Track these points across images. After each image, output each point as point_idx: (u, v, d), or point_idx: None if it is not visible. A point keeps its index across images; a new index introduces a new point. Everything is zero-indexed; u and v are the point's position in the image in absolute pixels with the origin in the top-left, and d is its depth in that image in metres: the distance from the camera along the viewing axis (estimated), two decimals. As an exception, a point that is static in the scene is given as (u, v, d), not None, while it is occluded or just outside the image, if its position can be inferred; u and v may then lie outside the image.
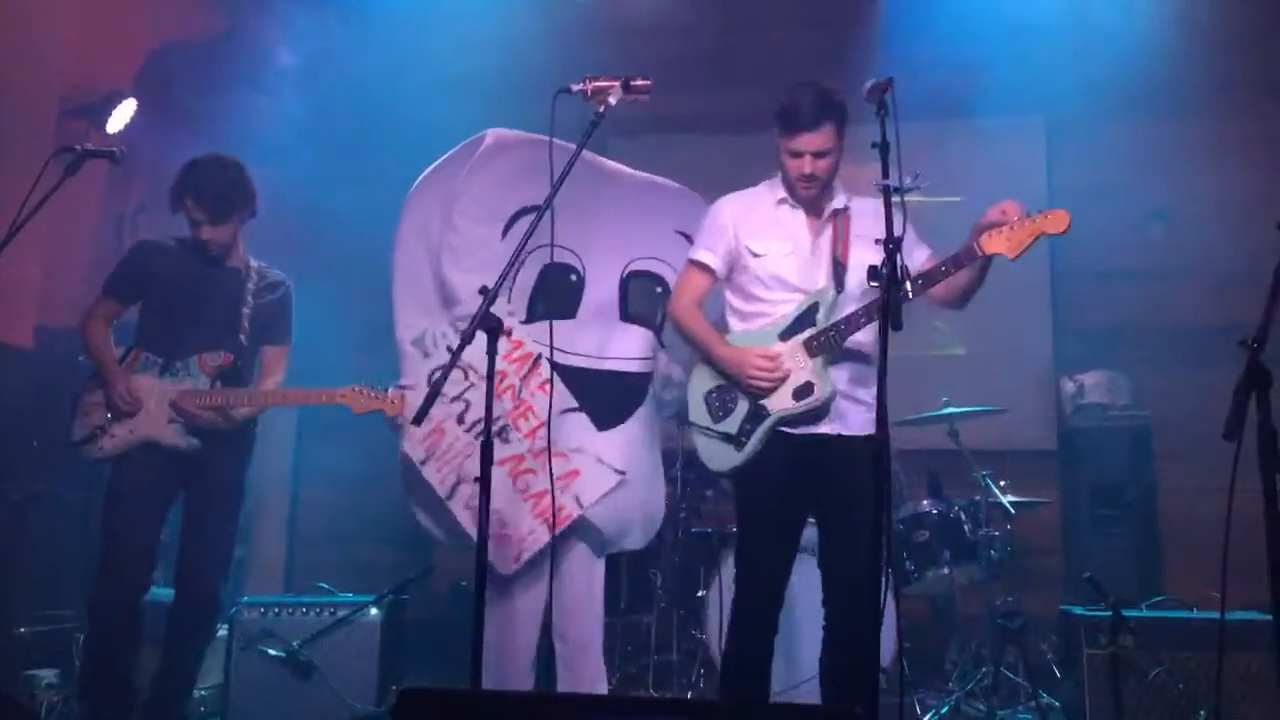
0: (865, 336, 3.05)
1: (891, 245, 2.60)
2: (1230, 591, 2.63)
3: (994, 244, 2.86)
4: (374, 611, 4.18)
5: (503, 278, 2.81)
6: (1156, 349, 5.37)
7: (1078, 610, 3.96)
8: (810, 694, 3.63)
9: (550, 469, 3.09)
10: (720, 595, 4.38)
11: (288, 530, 5.90)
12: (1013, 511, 4.53)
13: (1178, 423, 5.10)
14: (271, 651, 4.08)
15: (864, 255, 3.05)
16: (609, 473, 3.37)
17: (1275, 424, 2.21)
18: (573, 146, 2.93)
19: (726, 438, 3.11)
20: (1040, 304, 5.61)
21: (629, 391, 3.60)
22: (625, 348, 3.59)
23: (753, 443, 3.08)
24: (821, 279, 3.11)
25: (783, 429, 3.07)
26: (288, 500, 5.93)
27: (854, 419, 3.07)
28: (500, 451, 3.28)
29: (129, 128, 5.18)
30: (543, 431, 3.29)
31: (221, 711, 4.12)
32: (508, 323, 3.35)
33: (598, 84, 2.97)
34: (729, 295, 3.28)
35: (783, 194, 3.23)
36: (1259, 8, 5.33)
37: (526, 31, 5.51)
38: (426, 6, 5.55)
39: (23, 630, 4.34)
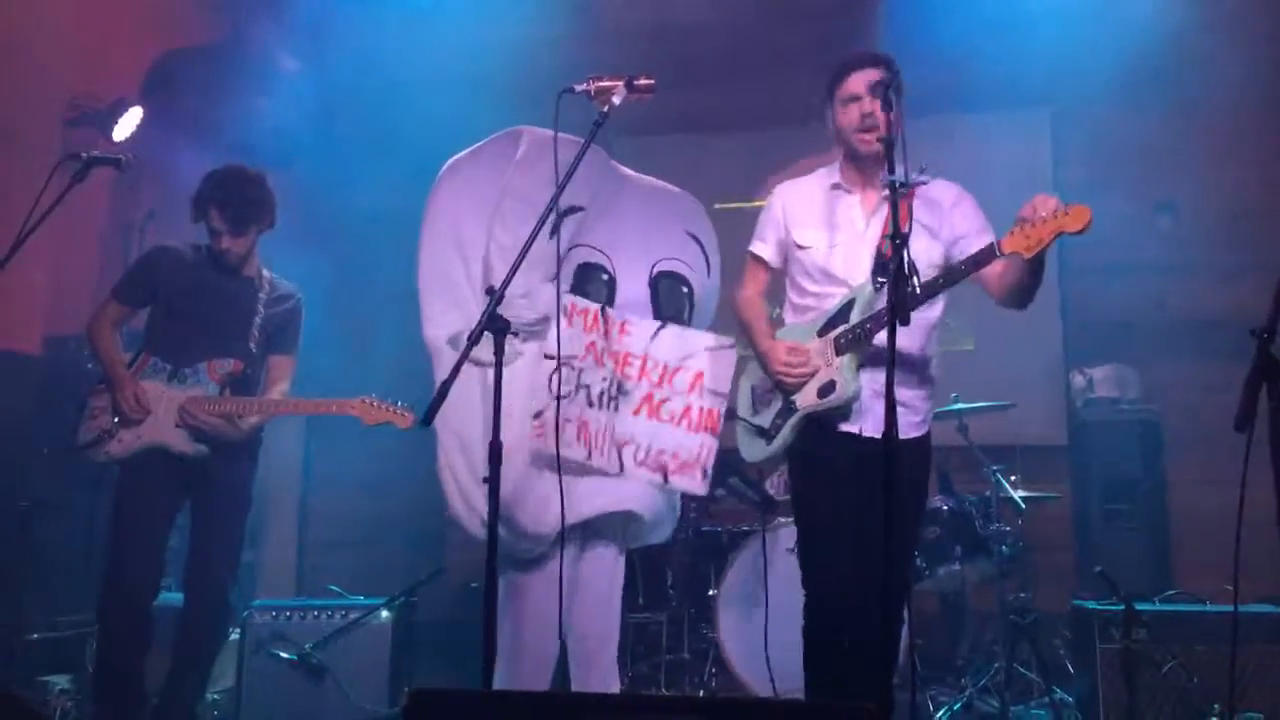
0: (905, 336, 2.85)
1: (899, 241, 2.53)
2: (1243, 584, 2.61)
3: (1012, 242, 2.71)
4: (385, 614, 4.19)
5: (508, 279, 2.81)
6: (1165, 341, 5.35)
7: (1090, 605, 3.95)
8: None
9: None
10: (740, 593, 4.39)
11: (298, 534, 5.92)
12: (1023, 506, 4.51)
13: (1187, 415, 5.09)
14: (283, 654, 4.09)
15: (919, 246, 2.90)
16: (727, 351, 3.41)
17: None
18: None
19: (759, 431, 3.12)
20: (1049, 298, 5.58)
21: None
22: None
23: (780, 438, 3.05)
24: (867, 272, 2.97)
25: (819, 425, 3.00)
26: (298, 504, 5.95)
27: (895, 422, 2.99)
28: (627, 405, 3.34)
29: (135, 135, 5.19)
30: (651, 363, 3.36)
31: (234, 714, 4.14)
32: (568, 299, 3.33)
33: (601, 84, 2.96)
34: (787, 287, 3.21)
35: (836, 179, 3.11)
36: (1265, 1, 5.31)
37: (532, 33, 5.51)
38: (430, 8, 5.55)
39: (35, 636, 4.36)
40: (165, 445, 3.59)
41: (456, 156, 3.49)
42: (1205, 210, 5.37)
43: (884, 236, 2.90)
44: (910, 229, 2.87)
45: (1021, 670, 4.34)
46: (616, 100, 2.95)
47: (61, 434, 3.73)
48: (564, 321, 3.25)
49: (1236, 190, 5.21)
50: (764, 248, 3.21)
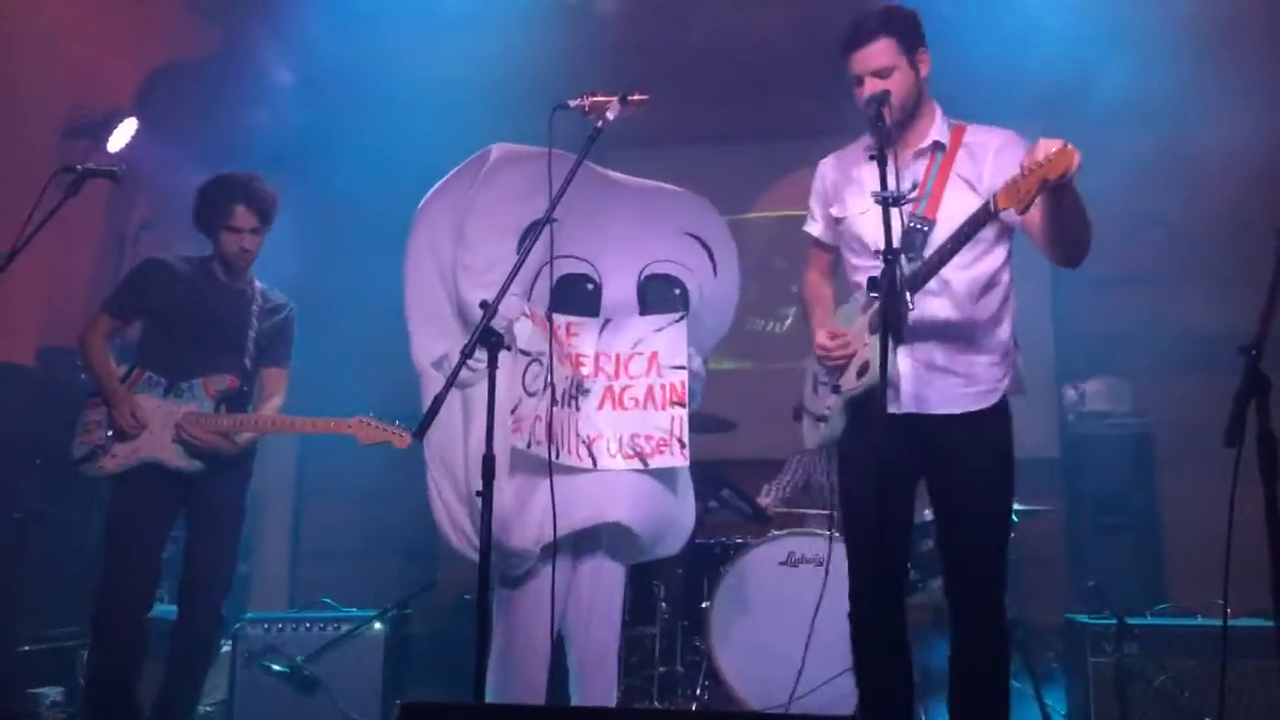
0: (941, 307, 2.79)
1: (890, 257, 2.47)
2: (1234, 598, 2.62)
3: (1005, 196, 2.49)
4: (378, 626, 4.18)
5: (502, 292, 2.82)
6: (1156, 355, 5.37)
7: (1082, 618, 3.96)
8: (814, 704, 3.63)
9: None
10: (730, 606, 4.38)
11: (291, 545, 5.93)
12: (1015, 520, 4.51)
13: (1178, 429, 5.11)
14: (275, 667, 4.09)
15: (958, 204, 2.74)
16: (675, 326, 3.43)
17: (1276, 431, 2.21)
18: (575, 158, 2.95)
19: (817, 417, 3.03)
20: (1041, 311, 5.61)
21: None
22: None
23: (831, 423, 2.93)
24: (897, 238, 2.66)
25: (865, 409, 2.80)
26: (291, 515, 5.96)
27: (937, 396, 2.80)
28: (589, 403, 3.37)
29: (130, 147, 5.20)
30: (603, 359, 3.39)
31: (226, 728, 4.13)
32: (526, 306, 3.34)
33: (595, 99, 2.99)
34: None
35: (870, 142, 2.93)
36: (1256, 15, 5.35)
37: (529, 47, 5.52)
38: (427, 21, 5.57)
39: (27, 649, 4.35)
40: (161, 461, 3.58)
41: (438, 183, 3.52)
42: (1197, 225, 5.40)
43: (916, 199, 2.75)
44: (947, 186, 2.80)
45: (1013, 683, 4.34)
46: (610, 115, 2.97)
47: (55, 446, 3.72)
48: (527, 321, 3.26)
49: (1228, 206, 5.24)
50: (814, 225, 3.14)
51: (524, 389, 3.21)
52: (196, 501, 3.66)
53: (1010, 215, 2.73)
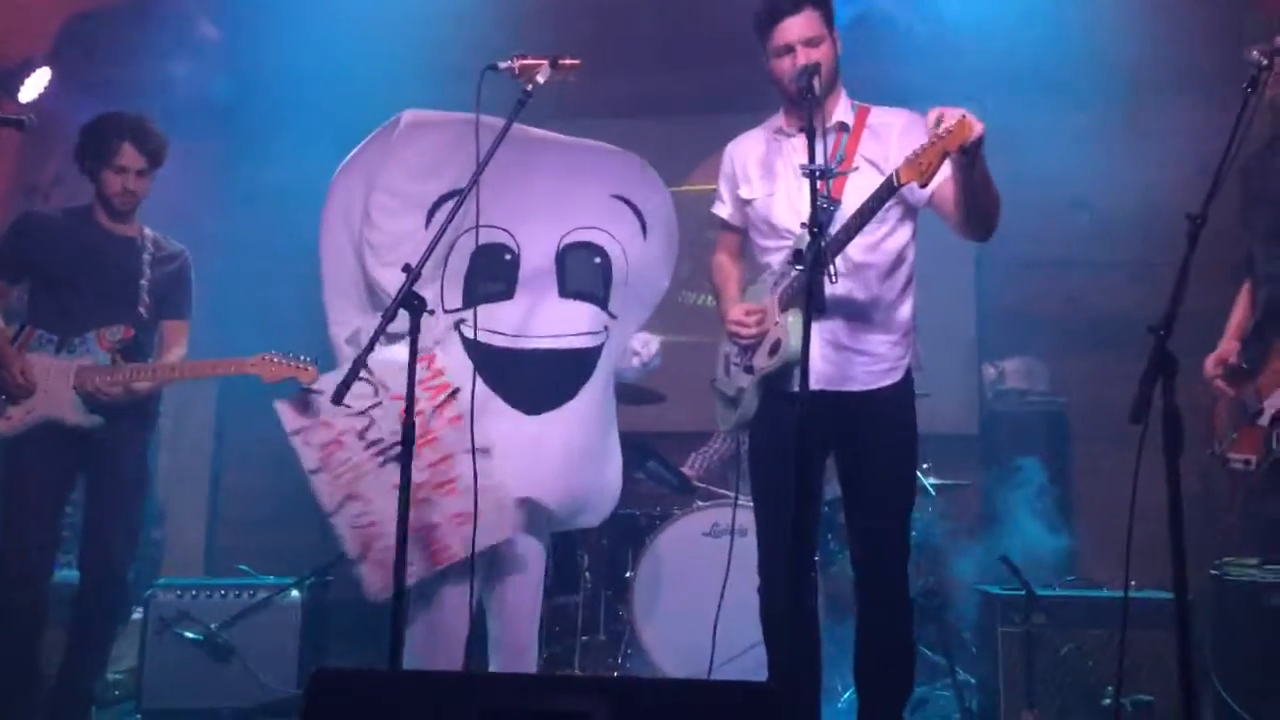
0: (848, 286, 2.82)
1: (815, 230, 2.50)
2: (1141, 572, 2.70)
3: (907, 171, 2.50)
4: (295, 593, 4.13)
5: (425, 257, 2.78)
6: (1073, 336, 5.51)
7: (993, 590, 4.06)
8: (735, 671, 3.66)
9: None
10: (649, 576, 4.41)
11: (208, 512, 5.81)
12: (933, 494, 4.61)
13: (1093, 408, 5.25)
14: (188, 634, 4.01)
15: (864, 184, 2.73)
16: (509, 518, 3.25)
17: (1181, 409, 2.27)
18: (496, 121, 2.90)
19: (728, 398, 3.02)
20: (965, 290, 5.71)
21: (572, 369, 3.44)
22: (566, 324, 3.44)
23: (744, 403, 2.94)
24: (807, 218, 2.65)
25: (778, 388, 2.86)
26: (208, 481, 5.83)
27: (843, 374, 2.85)
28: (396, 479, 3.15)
29: (44, 97, 5.01)
30: (444, 466, 3.20)
31: (135, 695, 4.04)
32: (426, 345, 3.22)
33: (526, 62, 2.95)
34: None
35: (779, 123, 3.00)
36: (1179, 3, 5.46)
37: (473, 7, 5.42)
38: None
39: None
40: (58, 419, 3.47)
41: (351, 153, 3.42)
42: (1116, 210, 5.51)
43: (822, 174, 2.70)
44: (854, 167, 2.83)
45: (927, 652, 4.44)
46: (541, 79, 2.93)
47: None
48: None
49: (1144, 189, 5.36)
50: (722, 207, 3.13)
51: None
52: (97, 463, 3.57)
53: (915, 194, 2.78)
